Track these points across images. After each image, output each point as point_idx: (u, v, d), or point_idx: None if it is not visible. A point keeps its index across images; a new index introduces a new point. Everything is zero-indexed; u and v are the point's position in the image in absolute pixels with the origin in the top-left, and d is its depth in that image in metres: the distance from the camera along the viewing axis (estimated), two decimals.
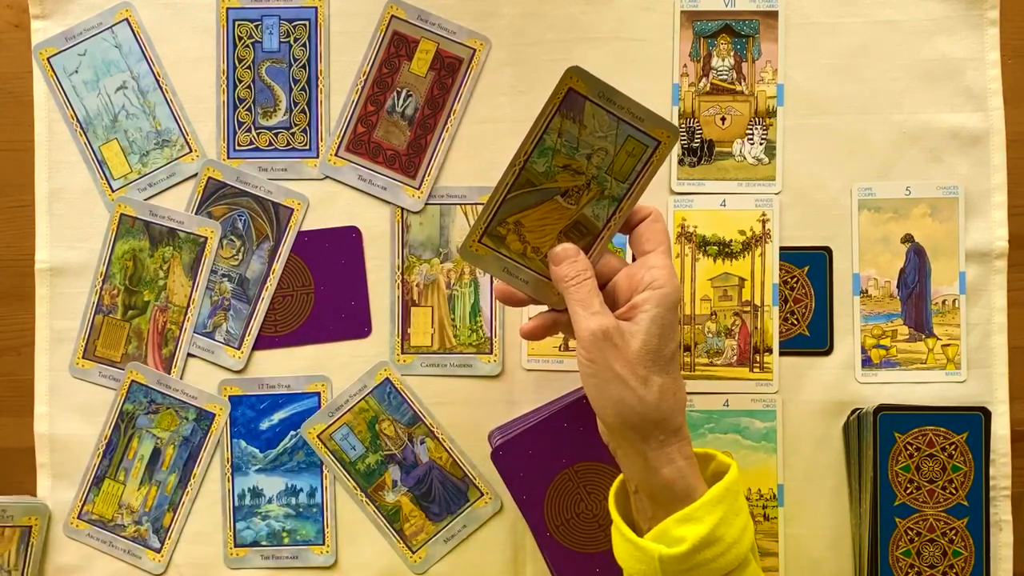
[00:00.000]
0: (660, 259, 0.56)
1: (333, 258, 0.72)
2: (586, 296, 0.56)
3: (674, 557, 0.53)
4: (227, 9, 0.72)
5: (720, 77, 0.71)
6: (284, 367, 0.72)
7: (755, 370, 0.71)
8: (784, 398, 0.70)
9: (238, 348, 0.72)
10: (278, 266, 0.72)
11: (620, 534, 0.57)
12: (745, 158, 0.71)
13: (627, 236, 0.59)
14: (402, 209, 0.72)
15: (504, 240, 0.58)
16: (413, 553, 0.71)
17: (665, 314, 0.55)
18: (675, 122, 0.71)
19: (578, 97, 0.55)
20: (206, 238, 0.72)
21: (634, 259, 0.58)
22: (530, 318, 0.60)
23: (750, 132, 0.71)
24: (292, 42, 0.72)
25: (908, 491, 0.68)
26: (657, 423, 0.55)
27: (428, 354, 0.72)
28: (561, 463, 0.67)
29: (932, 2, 0.70)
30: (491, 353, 0.71)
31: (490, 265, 0.59)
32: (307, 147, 0.72)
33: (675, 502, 0.55)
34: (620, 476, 0.59)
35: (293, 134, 0.72)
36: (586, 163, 0.57)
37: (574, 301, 0.56)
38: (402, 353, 0.72)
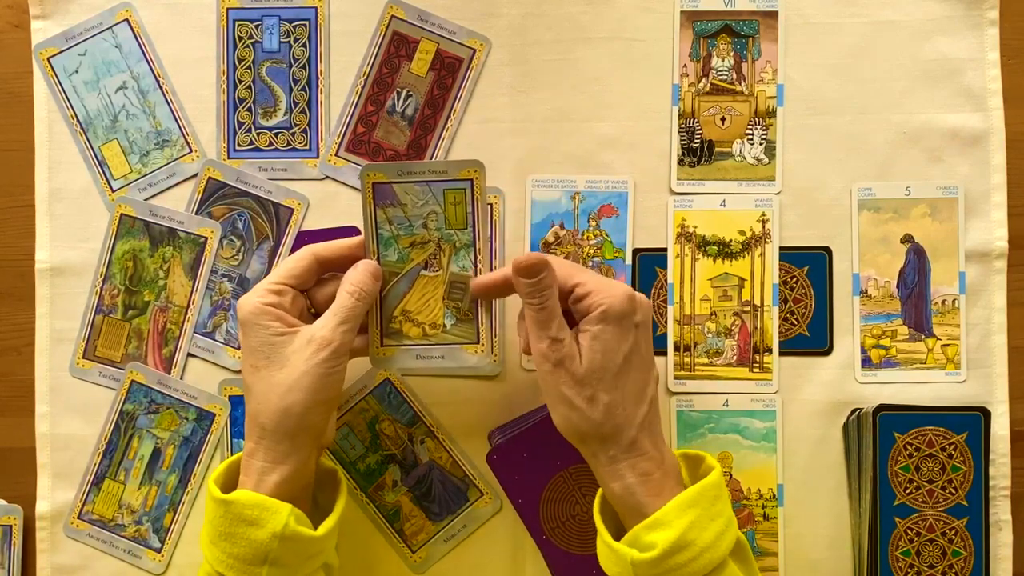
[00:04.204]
0: (590, 285, 0.57)
1: None
2: (547, 318, 0.57)
3: (646, 562, 0.54)
4: (227, 9, 0.72)
5: (720, 77, 0.71)
6: None
7: (755, 370, 0.71)
8: (784, 398, 0.70)
9: (238, 348, 0.72)
10: None
11: (599, 537, 0.58)
12: (745, 158, 0.71)
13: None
14: None
15: (401, 332, 0.62)
16: (413, 553, 0.71)
17: (606, 328, 0.56)
18: (674, 120, 0.71)
19: (384, 186, 0.61)
20: (206, 238, 0.72)
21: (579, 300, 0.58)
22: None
23: (750, 132, 0.71)
24: (292, 42, 0.72)
25: (908, 491, 0.68)
26: (604, 439, 0.57)
27: None
28: (556, 465, 0.67)
29: (932, 2, 0.70)
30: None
31: (404, 360, 0.62)
32: (307, 147, 0.72)
33: (627, 516, 0.57)
34: None
35: (293, 134, 0.72)
36: (426, 231, 0.61)
37: (533, 320, 0.57)
38: None
